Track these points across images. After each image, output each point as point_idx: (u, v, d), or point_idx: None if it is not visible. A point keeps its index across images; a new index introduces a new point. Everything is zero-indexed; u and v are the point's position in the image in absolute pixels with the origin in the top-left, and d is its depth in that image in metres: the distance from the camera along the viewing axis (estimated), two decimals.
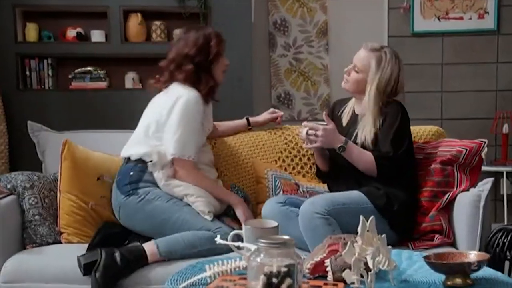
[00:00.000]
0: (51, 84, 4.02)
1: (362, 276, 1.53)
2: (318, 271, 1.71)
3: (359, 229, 1.57)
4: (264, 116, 2.91)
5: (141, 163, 2.47)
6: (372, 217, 1.60)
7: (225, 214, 2.53)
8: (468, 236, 2.33)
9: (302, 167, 2.79)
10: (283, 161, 2.79)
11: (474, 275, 1.65)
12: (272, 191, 2.64)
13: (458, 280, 1.62)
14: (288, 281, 1.35)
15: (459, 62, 4.39)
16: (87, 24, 4.06)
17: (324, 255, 1.72)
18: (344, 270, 1.57)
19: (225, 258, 1.85)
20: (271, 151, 2.80)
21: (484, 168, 2.57)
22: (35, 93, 3.98)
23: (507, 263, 2.24)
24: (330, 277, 1.66)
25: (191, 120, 2.48)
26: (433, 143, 2.62)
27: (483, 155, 2.52)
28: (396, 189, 2.38)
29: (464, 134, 2.96)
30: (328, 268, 1.66)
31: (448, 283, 1.63)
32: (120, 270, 2.21)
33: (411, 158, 2.47)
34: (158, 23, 4.05)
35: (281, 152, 2.80)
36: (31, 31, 3.98)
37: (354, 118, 2.56)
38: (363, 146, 2.42)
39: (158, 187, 2.46)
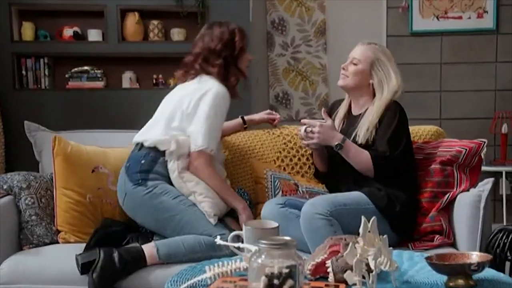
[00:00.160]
0: (47, 84, 4.01)
1: (363, 277, 1.52)
2: (319, 272, 1.70)
3: (360, 230, 1.56)
4: (261, 115, 2.91)
5: (154, 152, 2.44)
6: (373, 218, 1.59)
7: (228, 214, 2.50)
8: (468, 237, 2.32)
9: (301, 167, 2.77)
10: (282, 161, 2.77)
11: (476, 276, 1.64)
12: (271, 191, 2.63)
13: (460, 281, 1.60)
14: (289, 282, 1.34)
15: (458, 61, 4.39)
16: (84, 23, 4.04)
17: (325, 256, 1.70)
18: (346, 271, 1.55)
19: (225, 259, 1.83)
20: (270, 151, 2.79)
21: (483, 168, 2.57)
22: (31, 93, 3.96)
23: (507, 264, 2.23)
24: (331, 278, 1.64)
25: (218, 114, 2.47)
26: (433, 143, 2.61)
27: (482, 155, 2.52)
28: (397, 189, 2.37)
29: (463, 134, 2.96)
30: (330, 269, 1.65)
31: (450, 284, 1.61)
32: (118, 271, 2.18)
33: (409, 158, 2.46)
34: (155, 22, 4.04)
35: (280, 152, 2.78)
36: (27, 30, 3.96)
37: (352, 119, 2.54)
38: (363, 146, 2.40)
39: (167, 180, 2.42)
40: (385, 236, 1.59)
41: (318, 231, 2.19)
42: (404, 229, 2.38)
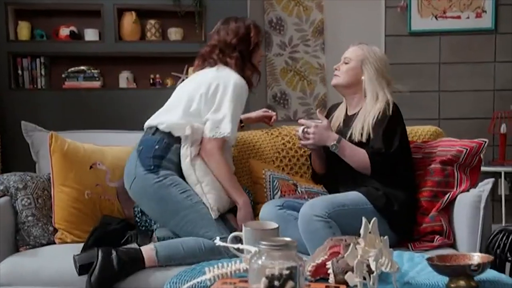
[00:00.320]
0: (44, 84, 3.99)
1: (364, 278, 1.50)
2: (320, 273, 1.68)
3: (361, 231, 1.55)
4: (258, 112, 2.92)
5: (168, 139, 2.42)
6: (374, 218, 1.58)
7: (230, 211, 2.48)
8: (468, 237, 2.31)
9: (300, 167, 2.77)
10: (281, 161, 2.77)
11: (477, 277, 1.63)
12: (270, 191, 2.61)
13: (462, 283, 1.59)
14: (290, 283, 1.33)
15: (456, 61, 4.39)
16: (81, 22, 4.03)
17: (326, 257, 1.69)
18: (346, 272, 1.54)
19: (225, 260, 1.81)
20: (269, 151, 2.78)
21: (482, 168, 2.56)
22: (27, 93, 3.94)
23: (508, 265, 2.22)
24: (331, 279, 1.63)
25: (238, 104, 2.46)
26: (433, 142, 2.60)
27: (481, 155, 2.51)
28: (395, 189, 2.37)
29: (461, 134, 2.95)
30: (330, 271, 1.64)
31: (452, 285, 1.60)
32: (116, 273, 2.17)
33: (406, 155, 2.46)
34: (152, 21, 4.02)
35: (279, 152, 2.78)
36: (24, 30, 3.94)
37: (347, 119, 2.55)
38: (359, 144, 2.39)
39: (177, 169, 2.40)
40: (385, 237, 1.58)
41: (316, 232, 2.18)
42: (403, 229, 2.37)
